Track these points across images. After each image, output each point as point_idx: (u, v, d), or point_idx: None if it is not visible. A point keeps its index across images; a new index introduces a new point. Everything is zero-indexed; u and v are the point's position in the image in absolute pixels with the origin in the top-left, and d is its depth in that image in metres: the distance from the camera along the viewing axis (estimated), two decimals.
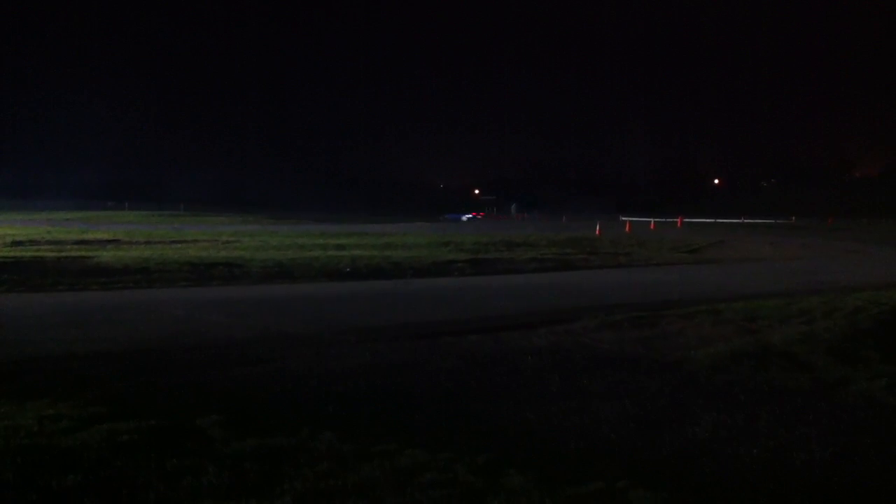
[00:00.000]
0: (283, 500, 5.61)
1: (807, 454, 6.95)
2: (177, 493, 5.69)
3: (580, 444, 7.19)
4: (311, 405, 8.28)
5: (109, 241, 32.45)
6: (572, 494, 5.83)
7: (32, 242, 30.50)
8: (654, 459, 6.81)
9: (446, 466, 6.33)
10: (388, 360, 10.43)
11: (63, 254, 25.41)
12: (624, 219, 72.93)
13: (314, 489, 5.82)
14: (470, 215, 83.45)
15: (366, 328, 12.83)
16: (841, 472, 6.59)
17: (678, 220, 71.96)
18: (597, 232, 48.17)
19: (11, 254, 24.90)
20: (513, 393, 8.89)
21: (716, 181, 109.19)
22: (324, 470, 6.19)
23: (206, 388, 8.96)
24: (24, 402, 7.87)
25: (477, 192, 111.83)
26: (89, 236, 35.03)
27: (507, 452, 6.78)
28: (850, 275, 24.21)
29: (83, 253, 25.96)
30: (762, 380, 9.49)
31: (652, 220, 70.77)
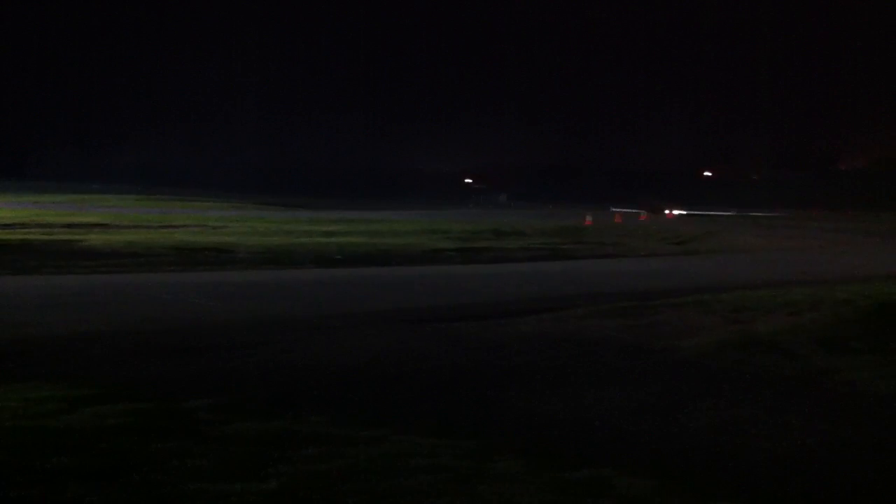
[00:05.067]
0: (270, 483, 5.58)
1: (789, 441, 7.01)
2: (164, 475, 5.65)
3: (567, 430, 7.22)
4: (298, 389, 8.29)
5: (97, 225, 32.33)
6: (559, 479, 5.84)
7: (21, 225, 30.37)
8: (641, 446, 6.84)
9: (435, 451, 6.33)
10: (377, 345, 10.45)
11: (51, 237, 25.32)
12: (614, 210, 72.93)
13: (302, 473, 5.81)
14: None
15: (353, 314, 12.84)
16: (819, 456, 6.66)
17: (669, 213, 72.11)
18: (586, 222, 48.22)
19: (0, 237, 24.79)
20: (501, 379, 8.91)
21: (707, 173, 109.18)
22: (311, 454, 6.18)
23: (194, 371, 8.97)
24: (10, 385, 7.84)
25: (469, 180, 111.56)
26: (77, 220, 34.88)
27: (496, 438, 6.80)
28: (836, 267, 24.31)
29: (71, 237, 25.87)
30: (748, 368, 9.54)
31: (642, 211, 70.81)
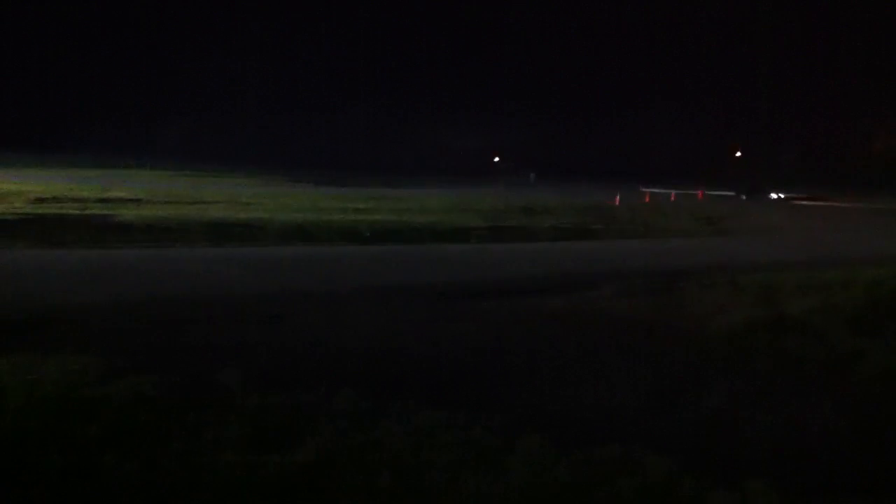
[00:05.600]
0: (304, 454, 5.68)
1: (818, 424, 7.00)
2: (199, 444, 5.79)
3: (595, 409, 7.24)
4: (329, 362, 8.39)
5: (131, 200, 32.58)
6: (587, 457, 5.87)
7: (55, 199, 30.68)
8: (668, 426, 6.86)
9: (463, 427, 6.38)
10: (405, 320, 10.52)
11: (86, 211, 25.59)
12: (644, 189, 72.35)
13: (334, 444, 5.90)
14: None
15: (382, 288, 12.94)
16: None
17: (699, 192, 71.40)
18: (615, 201, 47.93)
19: (35, 210, 25.10)
20: (529, 357, 8.95)
21: (737, 154, 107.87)
22: (343, 426, 6.27)
23: (226, 343, 9.08)
24: (48, 354, 7.99)
25: (497, 158, 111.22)
26: (111, 195, 35.18)
27: (524, 415, 6.83)
28: (868, 249, 24.03)
29: (105, 211, 26.13)
30: (778, 349, 9.50)
31: (672, 191, 70.18)
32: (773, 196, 66.28)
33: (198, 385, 7.22)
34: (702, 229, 31.22)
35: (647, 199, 55.70)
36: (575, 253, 20.74)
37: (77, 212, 25.17)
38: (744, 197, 65.76)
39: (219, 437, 5.95)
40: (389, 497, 5.18)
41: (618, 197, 50.31)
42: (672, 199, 60.45)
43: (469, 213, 32.51)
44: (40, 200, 29.78)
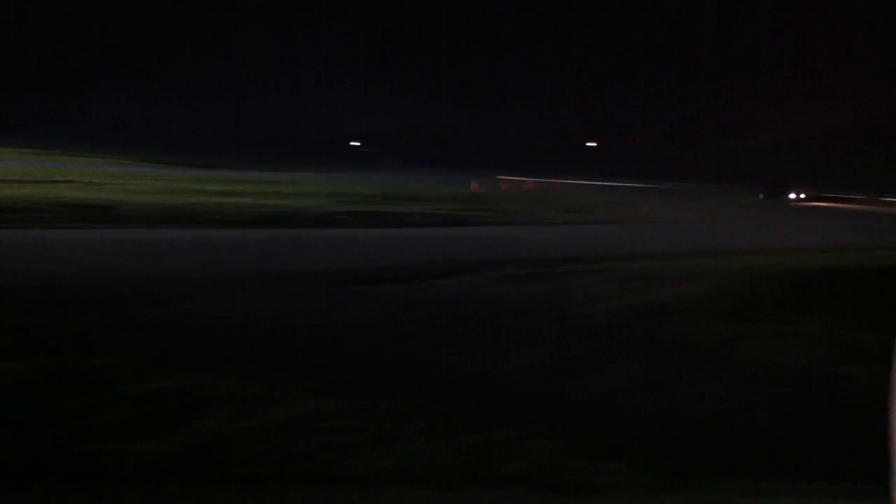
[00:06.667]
0: (185, 442, 5.44)
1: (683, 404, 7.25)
2: (74, 432, 5.46)
3: (481, 392, 7.26)
4: (211, 349, 8.12)
5: None
6: (470, 442, 5.86)
7: None
8: (552, 409, 6.92)
9: (350, 413, 6.27)
10: (288, 306, 10.35)
11: None
12: (501, 177, 73.41)
13: (216, 433, 5.68)
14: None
15: (261, 275, 12.68)
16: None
17: (557, 181, 72.92)
18: (473, 188, 48.44)
19: None
20: (417, 342, 8.92)
21: (589, 144, 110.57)
22: (225, 414, 6.06)
23: (102, 328, 8.68)
24: None
25: (357, 143, 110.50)
26: None
27: (410, 401, 6.76)
28: (731, 239, 24.98)
29: None
30: (654, 334, 9.83)
31: (528, 179, 71.36)
32: (792, 196, 62.62)
33: (71, 371, 6.86)
34: (572, 218, 31.48)
35: (504, 188, 56.61)
36: (454, 240, 20.79)
37: None
38: (761, 196, 61.96)
39: (94, 423, 5.65)
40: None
41: (475, 184, 50.79)
42: (528, 187, 61.50)
43: (338, 198, 32.23)
44: None
